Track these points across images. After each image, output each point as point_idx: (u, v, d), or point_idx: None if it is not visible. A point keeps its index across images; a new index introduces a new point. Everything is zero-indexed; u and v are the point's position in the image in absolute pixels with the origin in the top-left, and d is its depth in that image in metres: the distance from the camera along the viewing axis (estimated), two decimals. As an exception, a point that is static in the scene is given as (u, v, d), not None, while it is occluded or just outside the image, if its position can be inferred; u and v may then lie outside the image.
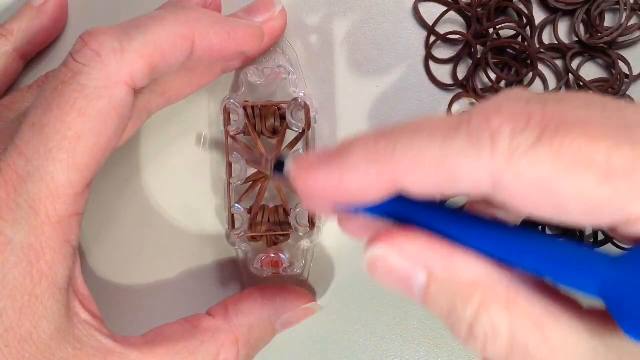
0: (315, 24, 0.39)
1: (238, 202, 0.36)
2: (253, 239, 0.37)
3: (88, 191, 0.29)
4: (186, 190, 0.39)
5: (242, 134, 0.37)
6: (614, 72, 0.38)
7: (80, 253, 0.31)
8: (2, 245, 0.28)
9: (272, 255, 0.36)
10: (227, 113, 0.36)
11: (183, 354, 0.32)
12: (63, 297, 0.29)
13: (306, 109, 0.36)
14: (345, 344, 0.39)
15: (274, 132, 0.37)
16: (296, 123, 0.36)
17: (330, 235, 0.39)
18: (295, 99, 0.36)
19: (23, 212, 0.28)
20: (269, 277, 0.37)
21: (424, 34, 0.39)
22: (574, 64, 0.39)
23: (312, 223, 0.36)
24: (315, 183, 0.23)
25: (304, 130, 0.36)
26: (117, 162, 0.39)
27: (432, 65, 0.39)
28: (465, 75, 0.38)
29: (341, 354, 0.39)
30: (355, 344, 0.39)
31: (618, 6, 0.38)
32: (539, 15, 0.39)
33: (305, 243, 0.37)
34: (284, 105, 0.36)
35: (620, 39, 0.38)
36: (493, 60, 0.38)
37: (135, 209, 0.39)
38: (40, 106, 0.28)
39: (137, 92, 0.30)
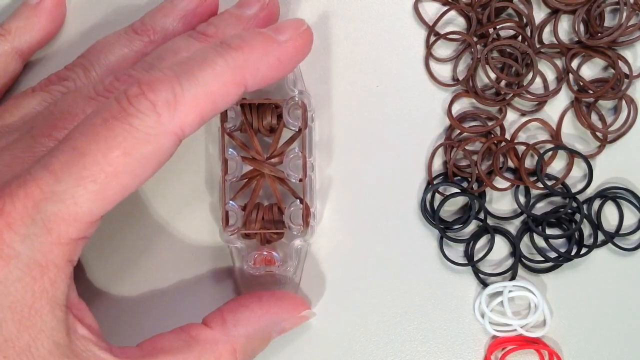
0: (314, 22, 0.39)
1: (233, 199, 0.36)
2: (247, 236, 0.37)
3: (101, 219, 0.29)
4: (180, 187, 0.39)
5: (238, 131, 0.37)
6: (614, 72, 0.37)
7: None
8: (9, 257, 0.28)
9: (265, 253, 0.36)
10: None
11: None
12: (62, 314, 0.29)
13: (303, 107, 0.36)
14: (343, 344, 0.39)
15: (271, 130, 0.37)
16: (293, 122, 0.36)
17: (324, 234, 0.39)
18: (293, 98, 0.36)
19: (36, 228, 0.28)
20: (262, 275, 0.37)
21: (424, 33, 0.39)
22: (574, 64, 0.38)
23: (306, 222, 0.36)
24: None
25: (300, 129, 0.36)
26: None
27: (432, 65, 0.39)
28: (465, 75, 0.38)
29: (340, 353, 0.39)
30: (354, 343, 0.39)
31: (618, 6, 0.37)
32: (539, 15, 0.38)
33: (298, 242, 0.36)
34: (282, 104, 0.36)
35: (620, 39, 0.38)
36: (493, 61, 0.38)
37: (128, 205, 0.38)
38: (86, 133, 0.28)
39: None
